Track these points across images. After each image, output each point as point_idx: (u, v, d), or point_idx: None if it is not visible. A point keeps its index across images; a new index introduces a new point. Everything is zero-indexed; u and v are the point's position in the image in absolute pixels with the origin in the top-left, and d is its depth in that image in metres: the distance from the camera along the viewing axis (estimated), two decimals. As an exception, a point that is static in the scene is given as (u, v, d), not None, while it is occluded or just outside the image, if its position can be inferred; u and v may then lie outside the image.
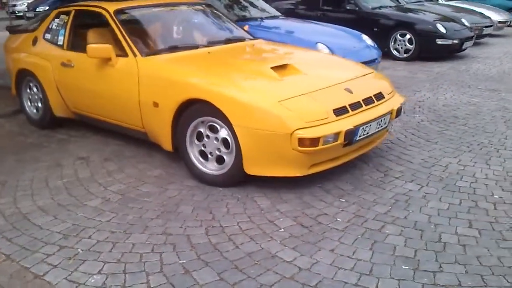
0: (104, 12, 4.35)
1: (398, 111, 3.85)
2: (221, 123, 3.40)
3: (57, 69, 4.60)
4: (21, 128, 5.10)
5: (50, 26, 4.87)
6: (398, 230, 2.96)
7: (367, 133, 3.50)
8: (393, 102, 3.84)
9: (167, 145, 3.79)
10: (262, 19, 7.21)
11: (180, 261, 2.66)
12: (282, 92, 3.37)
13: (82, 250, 2.77)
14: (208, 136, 3.54)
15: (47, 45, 4.81)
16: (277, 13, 7.77)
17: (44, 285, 2.48)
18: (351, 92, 3.56)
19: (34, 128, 5.07)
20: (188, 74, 3.66)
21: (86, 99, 4.46)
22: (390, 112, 3.72)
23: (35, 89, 4.98)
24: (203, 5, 5.21)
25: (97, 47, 4.00)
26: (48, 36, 4.84)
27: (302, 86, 3.53)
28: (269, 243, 2.83)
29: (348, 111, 3.39)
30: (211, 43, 4.48)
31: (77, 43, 4.54)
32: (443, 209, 3.23)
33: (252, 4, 7.65)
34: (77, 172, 3.91)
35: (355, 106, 3.47)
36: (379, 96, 3.73)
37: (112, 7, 4.41)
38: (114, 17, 4.25)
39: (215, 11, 5.22)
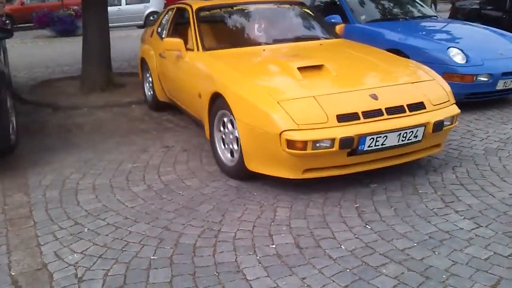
0: (188, 9, 4.74)
1: (437, 125, 3.38)
2: (232, 117, 3.54)
3: (157, 59, 5.21)
4: (143, 115, 5.72)
5: (161, 21, 5.48)
6: (397, 272, 2.48)
7: (383, 144, 3.22)
8: (438, 114, 3.41)
9: (207, 133, 4.06)
10: (408, 18, 6.63)
11: (153, 257, 2.70)
12: (288, 93, 3.36)
13: (87, 230, 3.03)
14: (227, 127, 3.73)
15: (156, 38, 5.42)
16: (432, 13, 7.07)
17: (36, 253, 2.79)
18: (376, 99, 3.32)
19: (156, 115, 5.64)
20: (218, 69, 3.91)
21: (172, 88, 4.97)
22: (425, 125, 3.31)
23: (147, 75, 5.68)
24: (293, 4, 5.21)
25: (170, 40, 4.46)
26: (159, 29, 5.51)
27: (318, 88, 3.42)
28: (247, 256, 2.67)
29: (358, 118, 3.19)
30: (277, 41, 4.56)
31: (172, 37, 4.93)
32: (479, 259, 2.57)
33: (401, 4, 7.10)
34: (152, 158, 4.24)
35: (373, 114, 3.24)
36: (417, 106, 3.40)
37: (196, 4, 4.79)
38: (194, 14, 4.62)
39: (304, 10, 5.21)
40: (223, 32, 4.77)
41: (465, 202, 3.23)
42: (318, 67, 3.69)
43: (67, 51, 11.65)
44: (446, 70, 5.21)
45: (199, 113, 4.21)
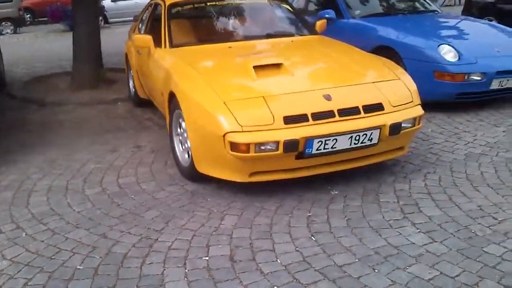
0: (162, 4, 4.62)
1: (394, 128, 3.17)
2: (184, 117, 3.43)
3: (135, 56, 5.13)
4: (126, 112, 5.63)
5: (142, 17, 5.39)
6: (325, 292, 2.30)
7: (333, 147, 3.06)
8: (396, 116, 3.20)
9: (168, 131, 3.93)
10: (406, 13, 6.35)
11: (79, 267, 2.58)
12: (237, 93, 3.24)
13: (25, 234, 2.94)
14: (182, 127, 3.62)
15: (137, 34, 5.26)
16: (435, 8, 6.75)
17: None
18: (329, 100, 3.15)
19: (139, 113, 5.54)
20: (176, 66, 3.78)
21: (145, 85, 4.93)
22: (380, 128, 3.12)
23: (130, 71, 5.64)
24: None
25: (139, 36, 4.40)
26: (140, 25, 5.43)
27: (269, 88, 3.28)
28: (175, 269, 2.53)
29: (307, 120, 3.03)
30: (247, 38, 4.41)
31: (147, 33, 4.83)
32: (421, 279, 2.36)
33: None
34: (118, 159, 4.14)
35: (323, 115, 3.08)
36: (374, 108, 3.20)
37: (170, 0, 4.65)
38: (166, 10, 4.49)
39: (283, 5, 5.05)
40: (194, 29, 4.67)
41: (426, 214, 3.00)
42: (276, 66, 3.52)
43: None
44: (436, 68, 4.95)
45: (164, 111, 4.10)
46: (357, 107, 3.17)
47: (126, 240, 2.83)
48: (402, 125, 3.24)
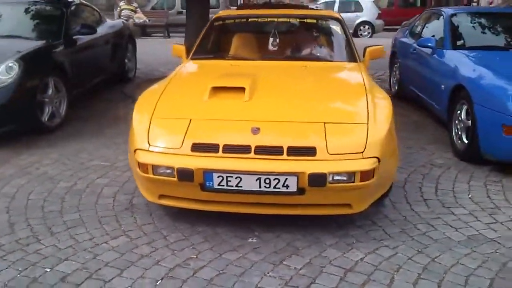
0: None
1: (315, 178, 2.74)
2: None
3: None
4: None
5: None
6: None
7: (239, 186, 2.79)
8: (322, 166, 2.77)
9: None
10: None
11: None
12: (170, 111, 3.23)
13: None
14: None
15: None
16: None
17: None
18: (255, 134, 2.92)
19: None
20: (166, 81, 3.79)
21: None
22: (297, 175, 2.73)
23: None
24: (326, 19, 4.78)
25: (176, 46, 4.60)
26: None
27: (206, 111, 3.19)
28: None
29: (217, 151, 2.86)
30: (265, 58, 4.34)
31: None
32: None
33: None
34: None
35: (237, 149, 2.86)
36: (302, 151, 2.84)
37: (220, 13, 4.87)
38: (210, 22, 4.74)
39: (333, 26, 4.69)
40: (222, 43, 4.70)
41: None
42: (238, 90, 3.31)
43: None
44: (505, 122, 3.95)
45: None
46: (281, 147, 2.85)
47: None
48: (334, 177, 2.76)
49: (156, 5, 18.00)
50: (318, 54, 4.51)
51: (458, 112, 4.58)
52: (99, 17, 7.22)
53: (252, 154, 2.82)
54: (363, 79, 3.75)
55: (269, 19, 4.79)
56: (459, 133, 4.58)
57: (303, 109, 3.22)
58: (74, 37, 5.98)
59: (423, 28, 6.52)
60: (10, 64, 4.77)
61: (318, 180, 2.74)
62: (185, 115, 3.15)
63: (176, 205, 3.14)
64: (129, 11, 14.96)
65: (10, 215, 3.34)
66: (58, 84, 5.34)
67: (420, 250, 2.92)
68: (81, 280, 2.59)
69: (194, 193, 2.95)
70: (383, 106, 3.30)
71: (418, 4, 21.13)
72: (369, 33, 18.00)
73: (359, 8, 18.61)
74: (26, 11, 6.09)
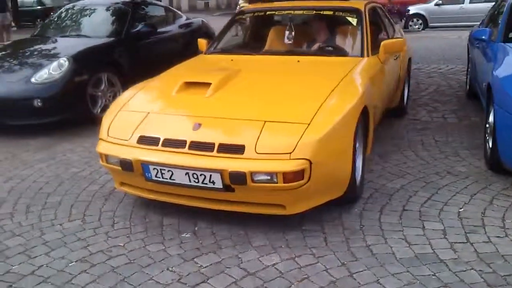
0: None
1: (235, 176, 2.74)
2: None
3: None
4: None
5: None
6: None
7: (172, 179, 2.90)
8: (244, 165, 2.75)
9: None
10: None
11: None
12: (135, 104, 3.40)
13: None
14: None
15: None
16: None
17: None
18: (195, 130, 2.98)
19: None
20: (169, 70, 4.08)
21: None
22: (220, 172, 2.76)
23: None
24: (345, 11, 4.50)
25: (201, 40, 4.75)
26: None
27: (164, 105, 3.41)
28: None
29: (157, 144, 2.99)
30: (267, 52, 4.34)
31: None
32: None
33: None
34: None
35: (174, 144, 2.96)
36: (231, 149, 2.84)
37: (244, 8, 5.09)
38: (232, 17, 4.85)
39: (348, 19, 4.44)
40: (242, 37, 4.84)
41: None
42: (205, 85, 3.39)
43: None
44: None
45: None
46: (213, 144, 2.88)
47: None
48: (256, 177, 2.72)
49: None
50: (318, 49, 4.30)
51: (489, 114, 3.99)
52: (172, 17, 7.67)
53: (186, 149, 2.90)
54: (347, 76, 3.51)
55: (286, 12, 4.72)
56: (487, 138, 4.00)
57: (251, 106, 3.21)
58: (136, 35, 6.46)
59: (490, 18, 5.75)
60: (62, 61, 5.36)
61: (238, 178, 2.74)
62: (145, 109, 3.32)
63: (132, 192, 3.33)
64: None
65: (8, 194, 3.80)
66: (112, 79, 5.85)
67: (345, 263, 2.68)
68: (12, 255, 2.88)
69: (141, 182, 3.11)
70: (341, 106, 3.07)
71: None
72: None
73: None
74: (101, 12, 6.76)
